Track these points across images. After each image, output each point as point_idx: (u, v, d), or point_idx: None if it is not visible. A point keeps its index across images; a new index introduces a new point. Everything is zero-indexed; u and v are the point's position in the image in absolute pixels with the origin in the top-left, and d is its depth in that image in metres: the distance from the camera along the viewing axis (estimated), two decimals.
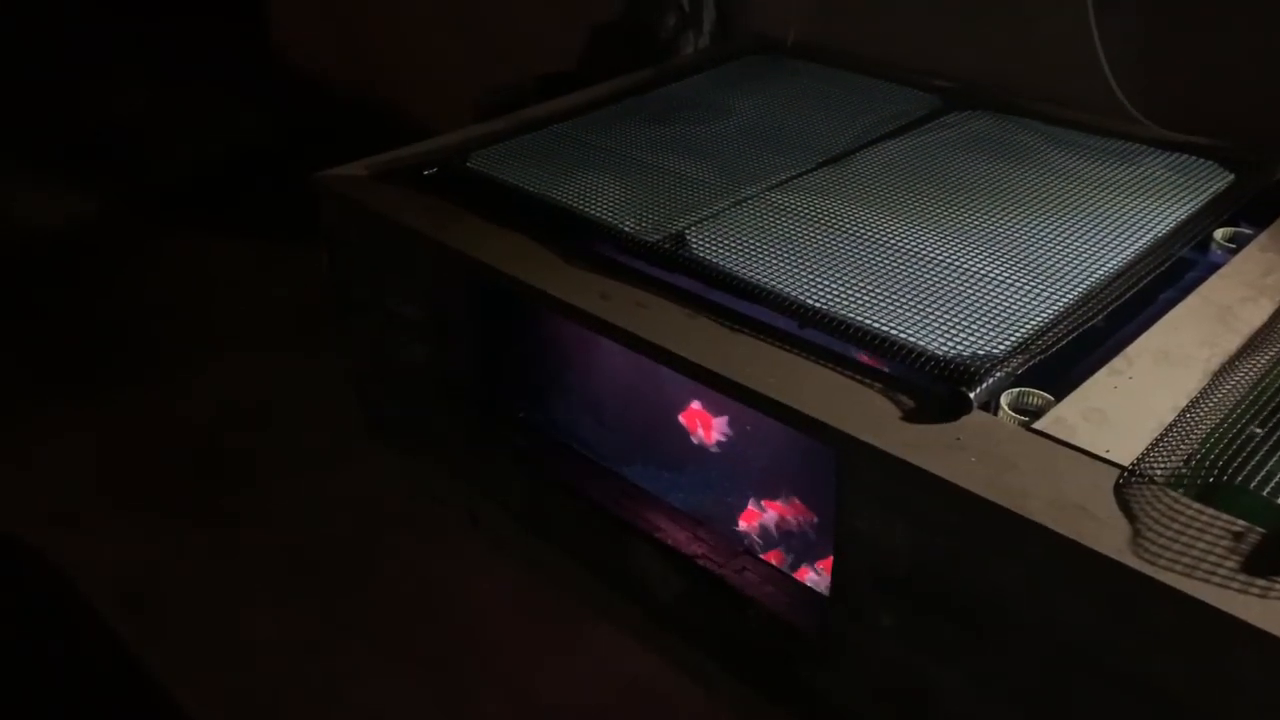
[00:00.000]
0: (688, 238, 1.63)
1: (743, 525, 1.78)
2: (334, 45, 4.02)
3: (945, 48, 2.25)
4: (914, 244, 1.61)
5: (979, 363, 1.30)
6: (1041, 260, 1.55)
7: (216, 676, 1.81)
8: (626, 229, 1.68)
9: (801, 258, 1.57)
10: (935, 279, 1.51)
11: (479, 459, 2.02)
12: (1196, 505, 1.12)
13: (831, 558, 1.42)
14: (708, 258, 1.58)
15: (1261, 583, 1.02)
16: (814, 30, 2.44)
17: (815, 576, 1.70)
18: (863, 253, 1.59)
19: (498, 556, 2.01)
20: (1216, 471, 1.15)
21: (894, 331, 1.37)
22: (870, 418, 1.28)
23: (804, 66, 2.37)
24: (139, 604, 1.95)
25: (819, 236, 1.64)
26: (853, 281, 1.50)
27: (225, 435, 2.40)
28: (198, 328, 2.82)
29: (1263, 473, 1.13)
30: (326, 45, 4.07)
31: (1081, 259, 1.55)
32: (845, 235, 1.64)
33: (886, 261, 1.56)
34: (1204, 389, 1.31)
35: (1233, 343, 1.40)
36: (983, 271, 1.53)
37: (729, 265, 1.55)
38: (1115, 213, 1.68)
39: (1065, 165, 1.85)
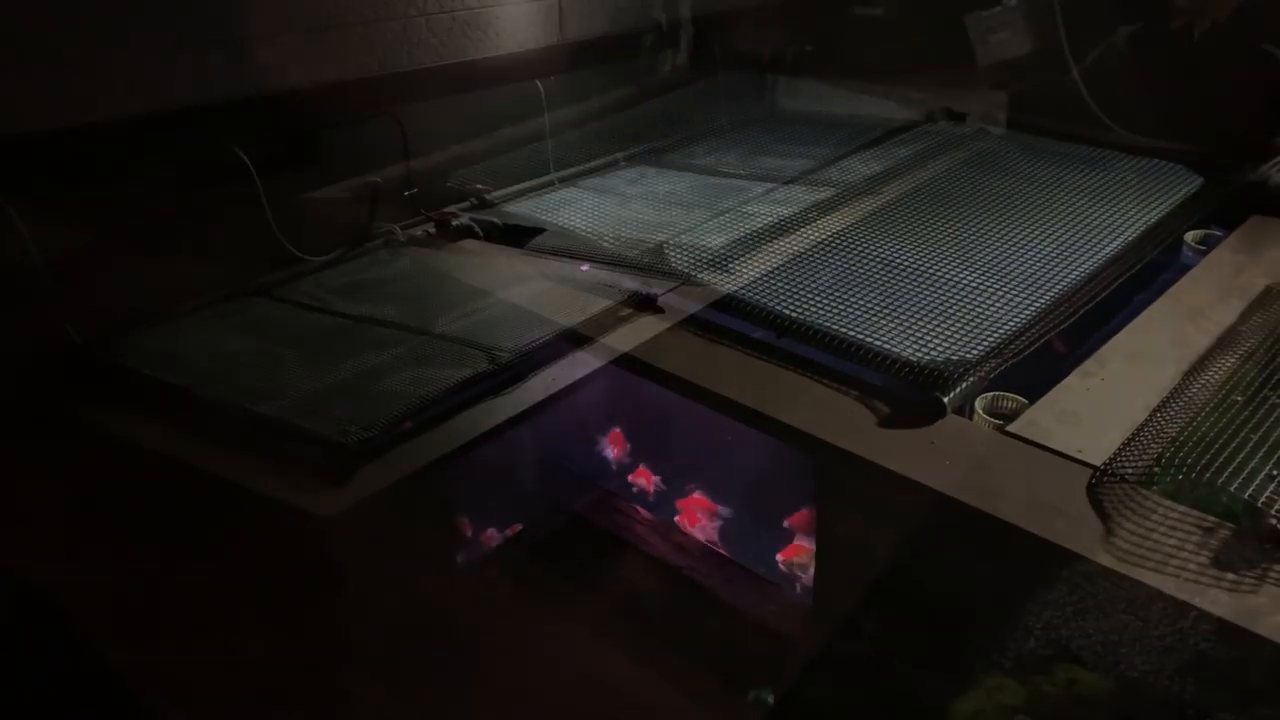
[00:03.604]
0: (666, 252, 1.65)
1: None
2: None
3: (917, 59, 2.27)
4: (888, 253, 1.63)
5: (953, 368, 1.32)
6: (1014, 266, 1.58)
7: (213, 700, 1.81)
8: (606, 245, 1.69)
9: (778, 269, 1.59)
10: (909, 287, 1.53)
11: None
12: (1167, 502, 1.14)
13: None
14: (686, 271, 1.59)
15: (1231, 577, 1.04)
16: (790, 47, 2.47)
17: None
18: (838, 262, 1.61)
19: (488, 572, 2.02)
20: (1185, 469, 1.16)
21: (869, 339, 1.39)
22: (847, 425, 1.30)
23: (781, 82, 2.40)
24: (132, 629, 1.95)
25: (795, 248, 1.66)
26: (828, 291, 1.52)
27: (220, 458, 2.40)
28: None
29: (1230, 469, 1.14)
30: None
31: (1053, 264, 1.57)
32: (821, 246, 1.66)
33: (861, 271, 1.58)
34: (1175, 388, 1.32)
35: (1203, 342, 1.42)
36: (956, 278, 1.55)
37: (707, 278, 1.57)
38: (1087, 217, 1.71)
39: (1038, 172, 1.88)
